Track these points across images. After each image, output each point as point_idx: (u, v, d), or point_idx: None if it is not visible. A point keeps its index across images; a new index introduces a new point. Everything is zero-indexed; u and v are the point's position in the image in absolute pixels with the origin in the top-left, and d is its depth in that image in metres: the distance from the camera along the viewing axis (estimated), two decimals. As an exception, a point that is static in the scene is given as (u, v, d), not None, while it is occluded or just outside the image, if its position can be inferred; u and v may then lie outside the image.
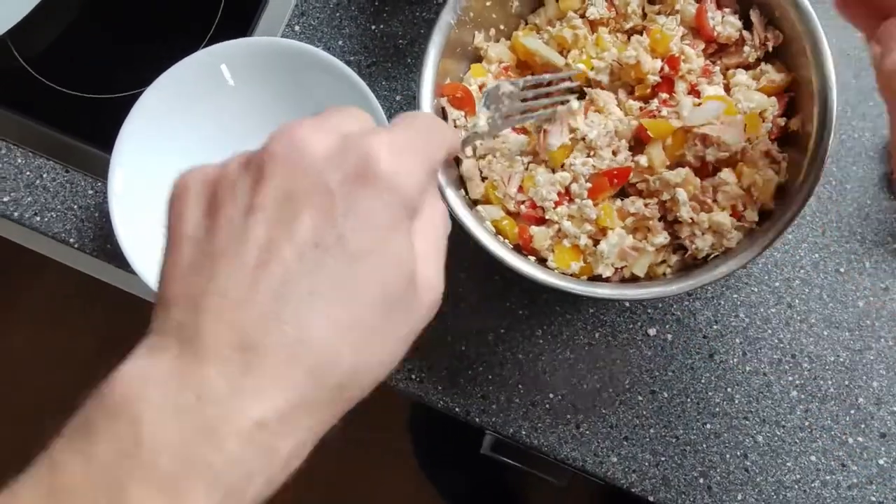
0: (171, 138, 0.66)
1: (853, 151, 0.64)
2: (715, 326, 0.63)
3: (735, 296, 0.63)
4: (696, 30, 0.56)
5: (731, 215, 0.52)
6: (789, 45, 0.54)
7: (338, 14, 0.72)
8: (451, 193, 0.54)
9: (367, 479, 1.38)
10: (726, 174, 0.52)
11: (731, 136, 0.52)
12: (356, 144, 0.29)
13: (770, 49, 0.55)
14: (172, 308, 0.28)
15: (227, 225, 0.29)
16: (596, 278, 0.54)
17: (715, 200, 0.52)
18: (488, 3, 0.58)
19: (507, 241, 0.55)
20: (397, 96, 0.72)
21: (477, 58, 0.61)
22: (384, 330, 0.29)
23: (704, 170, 0.54)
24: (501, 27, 0.61)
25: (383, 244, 0.29)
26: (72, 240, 0.70)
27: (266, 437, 0.26)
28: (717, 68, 0.55)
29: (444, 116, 0.58)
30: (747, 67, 0.56)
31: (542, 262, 0.55)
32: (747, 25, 0.56)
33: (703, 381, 0.62)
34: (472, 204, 0.57)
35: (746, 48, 0.55)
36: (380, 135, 0.30)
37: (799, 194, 0.50)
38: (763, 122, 0.53)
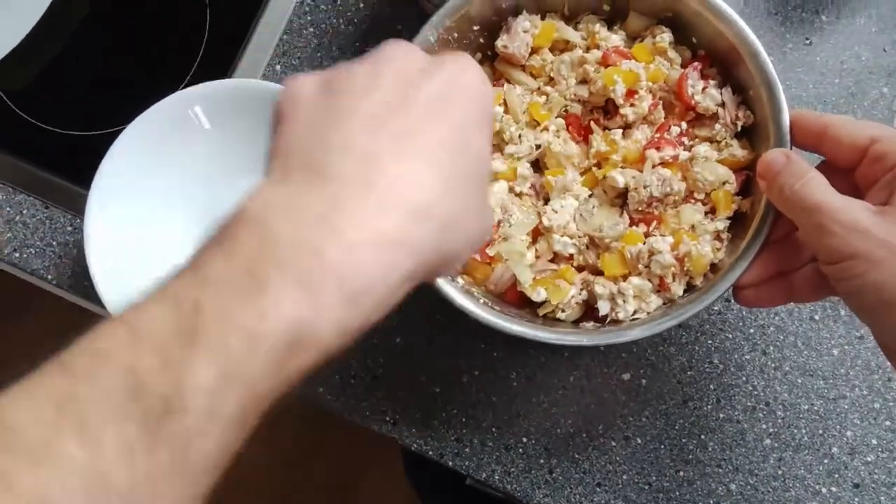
0: (147, 178, 0.66)
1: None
2: (689, 372, 0.63)
3: (709, 342, 0.63)
4: (676, 95, 0.56)
5: (658, 286, 0.52)
6: (757, 127, 0.54)
7: (319, 54, 0.73)
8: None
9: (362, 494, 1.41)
10: (660, 242, 0.52)
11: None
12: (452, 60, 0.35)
13: (739, 129, 0.55)
14: (294, 154, 0.31)
15: (350, 88, 0.32)
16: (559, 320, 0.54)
17: (647, 266, 0.52)
18: (475, 27, 0.58)
19: (475, 287, 0.55)
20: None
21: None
22: (474, 196, 0.34)
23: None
24: (489, 53, 0.61)
25: (480, 128, 0.34)
26: (49, 276, 0.70)
27: (386, 251, 0.29)
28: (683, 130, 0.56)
29: None
30: (711, 142, 0.56)
31: (526, 302, 0.54)
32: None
33: (676, 427, 0.62)
34: None
35: (718, 125, 0.54)
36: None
37: (730, 272, 0.50)
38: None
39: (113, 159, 0.65)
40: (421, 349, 0.64)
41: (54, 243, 0.71)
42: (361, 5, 0.74)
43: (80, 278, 0.70)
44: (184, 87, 0.70)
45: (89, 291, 0.67)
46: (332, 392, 0.65)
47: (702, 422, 0.62)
